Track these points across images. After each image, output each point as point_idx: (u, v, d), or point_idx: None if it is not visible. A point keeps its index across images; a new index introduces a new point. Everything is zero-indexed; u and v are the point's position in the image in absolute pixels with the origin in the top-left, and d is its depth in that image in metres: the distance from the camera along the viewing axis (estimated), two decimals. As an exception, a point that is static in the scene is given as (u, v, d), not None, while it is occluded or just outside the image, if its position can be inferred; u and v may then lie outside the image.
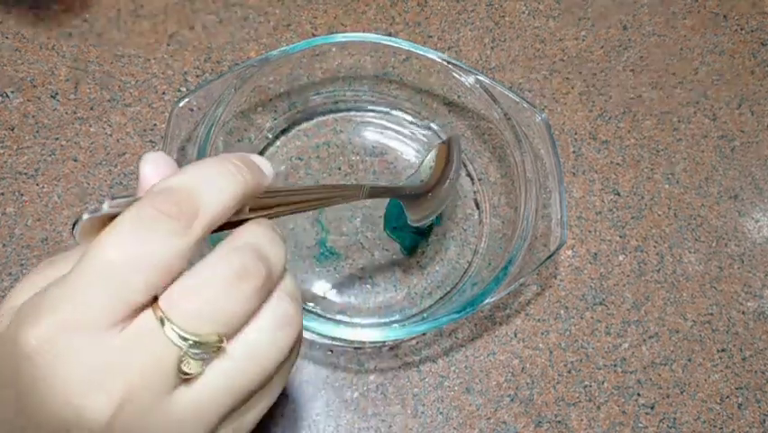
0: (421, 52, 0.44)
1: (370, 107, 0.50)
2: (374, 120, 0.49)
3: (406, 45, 0.44)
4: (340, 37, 0.44)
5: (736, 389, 0.45)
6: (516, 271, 0.39)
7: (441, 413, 0.42)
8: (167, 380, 0.19)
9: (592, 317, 0.45)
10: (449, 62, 0.44)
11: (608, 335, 0.45)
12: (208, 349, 0.19)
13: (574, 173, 0.50)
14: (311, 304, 0.43)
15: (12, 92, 0.47)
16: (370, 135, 0.49)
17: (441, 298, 0.44)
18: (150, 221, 0.19)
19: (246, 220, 0.23)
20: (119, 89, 0.48)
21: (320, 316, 0.43)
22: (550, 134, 0.43)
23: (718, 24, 0.57)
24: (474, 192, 0.48)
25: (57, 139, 0.46)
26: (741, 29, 0.58)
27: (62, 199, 0.44)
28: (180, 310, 0.19)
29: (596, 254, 0.47)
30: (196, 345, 0.19)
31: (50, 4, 0.50)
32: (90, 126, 0.47)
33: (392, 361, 0.43)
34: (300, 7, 0.53)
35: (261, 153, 0.47)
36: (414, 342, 0.43)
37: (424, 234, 0.46)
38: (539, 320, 0.45)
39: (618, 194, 0.50)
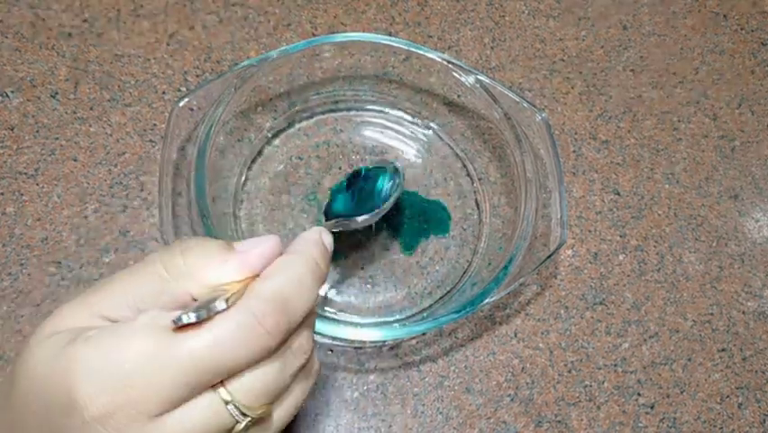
0: (421, 52, 0.44)
1: (369, 107, 0.50)
2: (374, 119, 0.49)
3: (406, 45, 0.44)
4: (340, 37, 0.44)
5: (736, 389, 0.45)
6: (516, 271, 0.39)
7: (441, 413, 0.42)
8: None
9: (592, 317, 0.45)
10: (449, 62, 0.44)
11: (608, 334, 0.45)
12: (257, 415, 0.23)
13: (574, 173, 0.50)
14: (311, 304, 0.43)
15: (12, 92, 0.47)
16: (370, 135, 0.49)
17: (441, 298, 0.44)
18: (249, 333, 0.22)
19: None
20: (119, 89, 0.48)
21: (320, 315, 0.43)
22: (550, 134, 0.43)
23: (718, 24, 0.57)
24: (474, 192, 0.48)
25: (57, 139, 0.46)
26: (741, 29, 0.58)
27: (62, 199, 0.44)
28: (245, 393, 0.22)
29: (596, 254, 0.47)
30: (251, 417, 0.23)
31: (51, 4, 0.50)
32: (90, 126, 0.47)
33: (392, 361, 0.43)
34: (300, 7, 0.53)
35: (261, 153, 0.47)
36: (414, 342, 0.43)
37: (424, 233, 0.46)
38: (539, 320, 0.45)
39: (618, 194, 0.50)
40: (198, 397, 0.22)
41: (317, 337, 0.42)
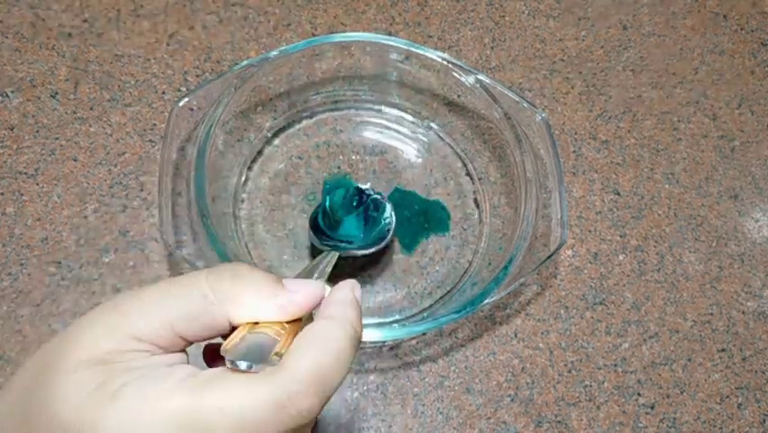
0: (421, 52, 0.44)
1: (369, 107, 0.50)
2: (374, 119, 0.49)
3: (406, 45, 0.44)
4: (340, 37, 0.44)
5: (736, 389, 0.45)
6: (516, 271, 0.39)
7: (441, 413, 0.42)
8: None
9: (592, 317, 0.45)
10: (449, 62, 0.44)
11: (608, 334, 0.45)
12: None
13: (574, 173, 0.50)
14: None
15: (12, 92, 0.47)
16: (370, 135, 0.49)
17: (441, 298, 0.44)
18: (280, 413, 0.21)
19: None
20: (119, 89, 0.48)
21: (320, 316, 0.43)
22: (550, 134, 0.43)
23: (718, 24, 0.57)
24: (474, 192, 0.48)
25: (57, 139, 0.46)
26: (741, 29, 0.58)
27: (62, 199, 0.44)
28: None
29: (596, 254, 0.47)
30: None
31: (51, 4, 0.50)
32: (90, 126, 0.47)
33: (392, 361, 0.43)
34: (300, 7, 0.53)
35: (261, 152, 0.47)
36: (414, 342, 0.43)
37: (424, 233, 0.46)
38: (539, 320, 0.45)
39: (618, 194, 0.50)
40: None
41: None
